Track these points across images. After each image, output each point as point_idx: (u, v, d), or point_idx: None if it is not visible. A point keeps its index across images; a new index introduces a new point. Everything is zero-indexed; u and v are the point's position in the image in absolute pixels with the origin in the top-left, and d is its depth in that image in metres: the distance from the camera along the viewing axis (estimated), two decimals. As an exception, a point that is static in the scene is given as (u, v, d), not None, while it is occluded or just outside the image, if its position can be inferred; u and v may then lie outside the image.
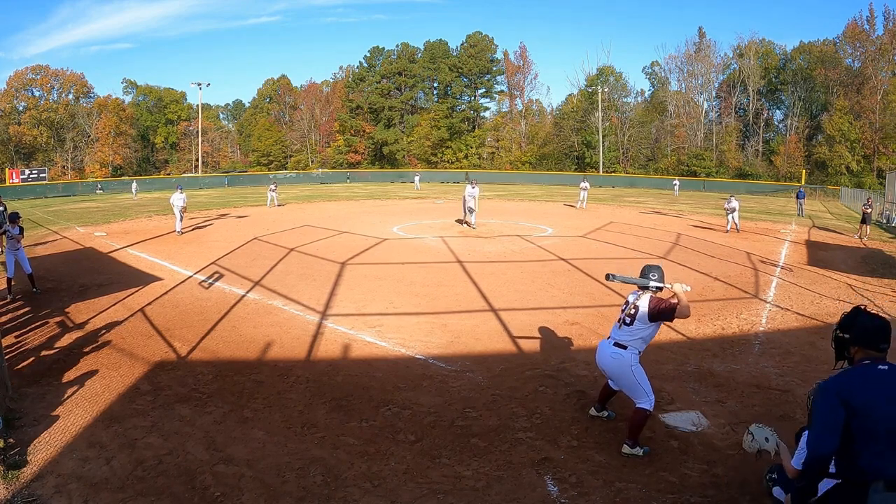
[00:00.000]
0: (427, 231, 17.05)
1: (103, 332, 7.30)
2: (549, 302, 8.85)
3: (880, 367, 2.34)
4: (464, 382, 5.69)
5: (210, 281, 10.34)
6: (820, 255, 13.99)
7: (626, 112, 62.00)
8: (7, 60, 78.59)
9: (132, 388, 5.51)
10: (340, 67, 78.06)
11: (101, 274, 10.96)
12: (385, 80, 69.25)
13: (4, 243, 9.72)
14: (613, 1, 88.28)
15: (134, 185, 35.86)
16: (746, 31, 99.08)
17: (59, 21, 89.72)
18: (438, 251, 13.47)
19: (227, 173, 60.22)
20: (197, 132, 59.57)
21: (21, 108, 60.71)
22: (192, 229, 16.76)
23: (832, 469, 2.42)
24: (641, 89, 74.74)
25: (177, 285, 9.98)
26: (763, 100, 58.43)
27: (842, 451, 2.32)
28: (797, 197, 26.98)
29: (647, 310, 4.21)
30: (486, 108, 69.87)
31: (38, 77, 62.02)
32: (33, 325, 7.61)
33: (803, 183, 40.88)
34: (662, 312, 4.16)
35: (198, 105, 59.68)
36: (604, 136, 57.82)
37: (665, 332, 6.87)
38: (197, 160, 60.68)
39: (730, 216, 17.64)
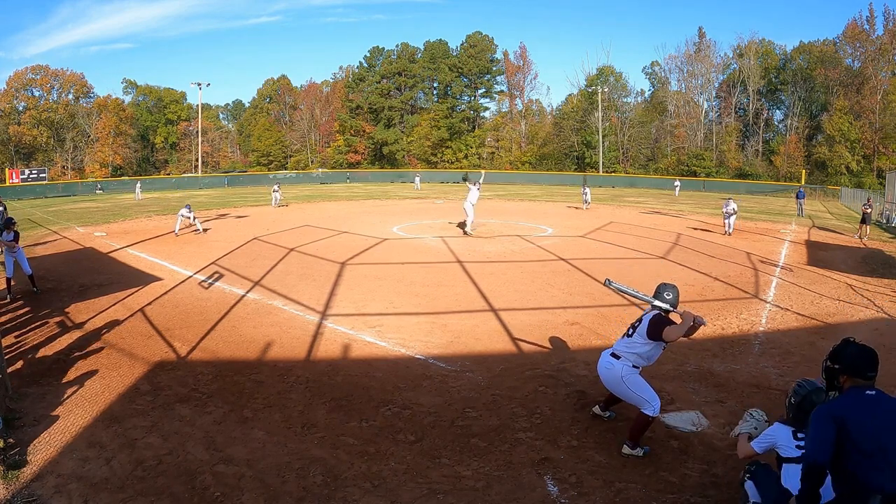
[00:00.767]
0: (427, 231, 17.04)
1: (103, 332, 7.29)
2: (548, 302, 8.84)
3: (867, 392, 2.57)
4: (464, 382, 5.69)
5: (210, 281, 10.34)
6: (820, 255, 13.99)
7: (625, 112, 62.04)
8: (7, 60, 78.86)
9: (132, 388, 5.50)
10: (340, 67, 78.26)
11: (101, 274, 10.95)
12: (385, 80, 69.24)
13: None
14: (613, 1, 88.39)
15: (138, 185, 35.61)
16: (746, 31, 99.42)
17: (59, 21, 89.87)
18: (438, 251, 13.47)
19: (226, 173, 60.22)
20: (197, 132, 59.57)
21: (21, 108, 60.71)
22: (193, 231, 16.76)
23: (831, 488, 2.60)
24: (641, 89, 75.03)
25: (177, 285, 9.98)
26: (763, 100, 58.43)
27: (839, 468, 2.50)
28: (797, 197, 26.99)
29: (647, 325, 4.24)
30: (486, 108, 70.05)
31: (38, 77, 62.03)
32: (33, 325, 7.60)
33: (803, 183, 40.86)
34: (657, 331, 4.17)
35: (198, 105, 59.67)
36: (604, 136, 57.81)
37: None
38: (197, 160, 60.64)
39: (727, 220, 17.33)
